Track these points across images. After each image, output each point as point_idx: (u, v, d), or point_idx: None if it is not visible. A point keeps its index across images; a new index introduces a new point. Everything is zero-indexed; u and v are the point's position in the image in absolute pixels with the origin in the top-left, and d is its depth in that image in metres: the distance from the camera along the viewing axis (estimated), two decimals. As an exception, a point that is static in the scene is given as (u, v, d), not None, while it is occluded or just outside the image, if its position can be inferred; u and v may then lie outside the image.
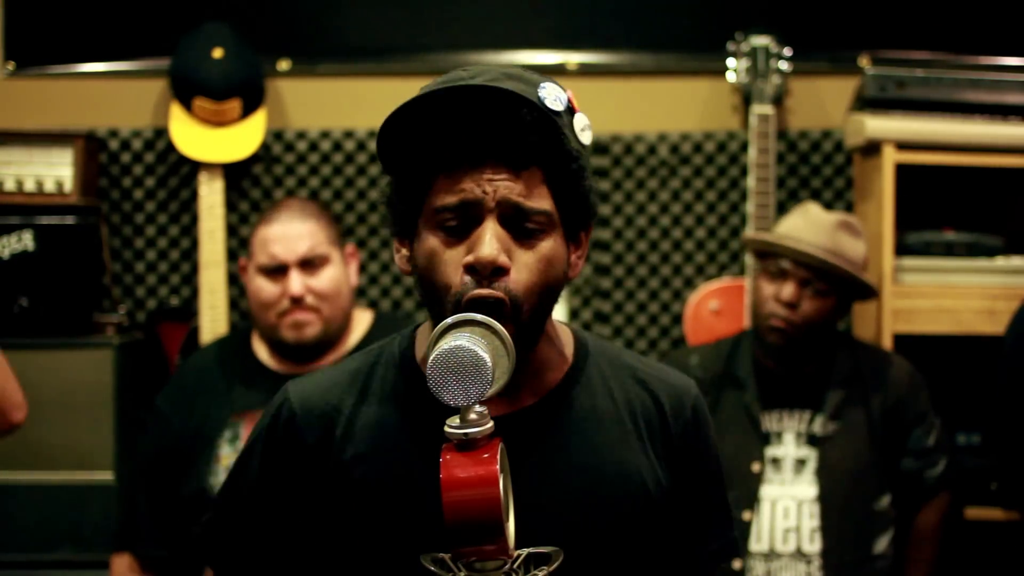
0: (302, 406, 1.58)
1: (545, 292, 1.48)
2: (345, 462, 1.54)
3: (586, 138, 1.51)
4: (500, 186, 1.44)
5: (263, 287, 2.81)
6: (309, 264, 2.80)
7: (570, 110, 1.50)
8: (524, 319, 1.46)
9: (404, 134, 1.47)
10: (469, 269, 1.44)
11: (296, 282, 2.77)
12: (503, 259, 1.43)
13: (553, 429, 1.54)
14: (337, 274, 2.83)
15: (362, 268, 3.43)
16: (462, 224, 1.46)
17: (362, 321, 2.94)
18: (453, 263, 1.45)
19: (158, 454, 2.84)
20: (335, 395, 1.58)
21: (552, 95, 1.47)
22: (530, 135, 1.44)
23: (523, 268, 1.45)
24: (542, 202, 1.46)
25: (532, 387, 1.54)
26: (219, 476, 2.73)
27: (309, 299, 2.78)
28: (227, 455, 2.75)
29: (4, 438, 2.54)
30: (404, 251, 1.55)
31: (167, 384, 3.00)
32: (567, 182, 1.48)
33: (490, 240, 1.43)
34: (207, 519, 1.67)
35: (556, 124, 1.44)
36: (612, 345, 1.67)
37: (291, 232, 2.81)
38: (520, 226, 1.46)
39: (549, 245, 1.47)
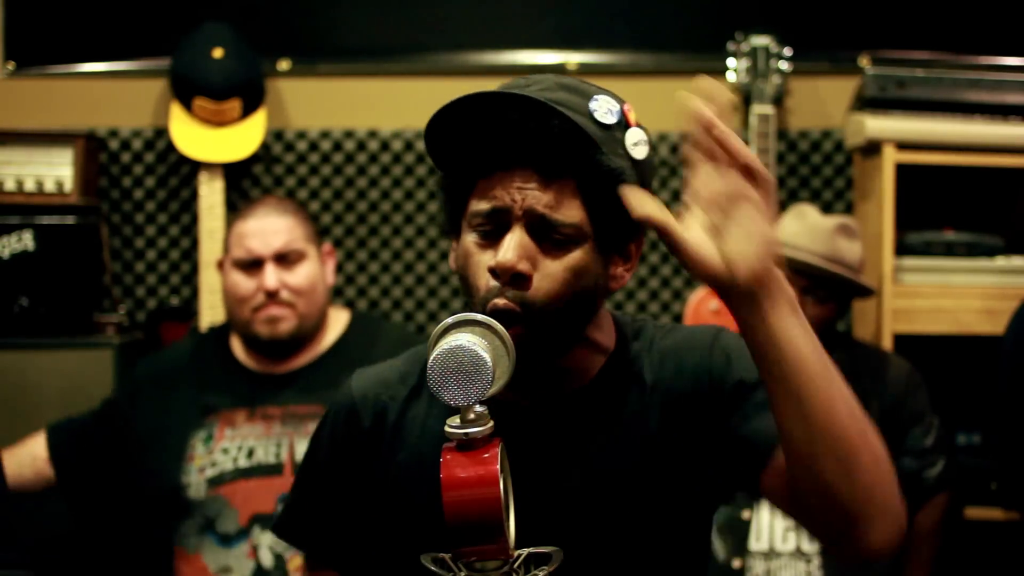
0: (361, 396, 1.62)
1: (571, 302, 1.48)
2: (392, 457, 1.58)
3: (639, 153, 1.50)
4: (528, 195, 1.45)
5: (238, 282, 2.79)
6: (284, 259, 2.78)
7: (623, 124, 1.50)
8: (542, 326, 1.46)
9: (448, 134, 1.49)
10: (492, 273, 1.46)
11: (271, 276, 2.75)
12: (523, 266, 1.44)
13: (572, 428, 1.54)
14: (313, 271, 2.81)
15: (354, 268, 3.44)
16: (495, 229, 1.47)
17: (339, 320, 2.93)
18: (483, 266, 1.47)
19: (113, 450, 2.79)
20: (392, 387, 1.62)
21: (604, 107, 1.48)
22: (560, 148, 1.44)
23: (546, 277, 1.46)
24: (571, 214, 1.46)
25: (563, 385, 1.56)
26: (191, 475, 2.70)
27: (284, 294, 2.76)
28: (200, 455, 2.71)
29: None
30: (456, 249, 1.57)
31: (128, 378, 2.92)
32: (603, 196, 1.46)
33: (511, 247, 1.44)
34: (285, 504, 1.72)
35: (590, 138, 1.44)
36: (656, 326, 1.63)
37: (267, 227, 2.80)
38: (547, 236, 1.46)
39: (578, 256, 1.47)
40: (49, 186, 3.19)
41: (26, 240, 3.12)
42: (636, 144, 1.50)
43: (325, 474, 1.66)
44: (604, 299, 1.55)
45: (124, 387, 2.90)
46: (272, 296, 2.75)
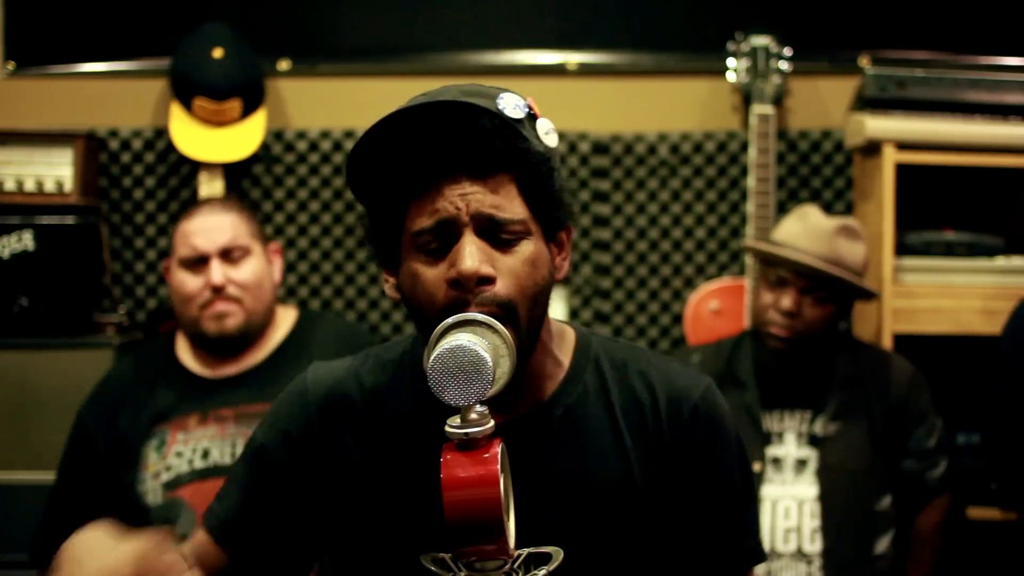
0: (317, 388, 1.60)
1: (536, 294, 1.48)
2: (353, 453, 1.55)
3: (551, 141, 1.51)
4: (472, 199, 1.44)
5: (185, 280, 2.79)
6: (229, 255, 2.78)
7: (531, 116, 1.50)
8: (522, 322, 1.45)
9: (371, 165, 1.48)
10: (453, 283, 1.43)
11: (217, 271, 2.75)
12: (486, 269, 1.43)
13: (543, 440, 1.53)
14: (259, 267, 2.81)
15: (354, 268, 3.44)
16: (442, 244, 1.45)
17: (287, 318, 2.92)
18: (436, 281, 1.45)
19: (85, 474, 2.76)
20: (351, 383, 1.59)
21: (511, 104, 1.48)
22: (492, 141, 1.44)
23: (508, 273, 1.45)
24: (515, 209, 1.46)
25: (526, 397, 1.54)
26: (147, 483, 2.70)
27: (230, 289, 2.76)
28: (154, 463, 2.70)
29: None
30: (391, 280, 1.54)
31: (90, 396, 2.86)
32: (537, 185, 1.48)
33: (470, 253, 1.43)
34: (222, 490, 1.67)
35: (516, 129, 1.44)
36: (620, 344, 1.65)
37: (212, 224, 2.80)
38: (497, 236, 1.46)
39: (530, 248, 1.47)
40: (49, 186, 3.19)
41: (26, 240, 3.12)
42: (547, 133, 1.51)
43: (270, 466, 1.60)
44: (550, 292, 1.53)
45: (89, 410, 2.83)
46: (218, 292, 2.75)
